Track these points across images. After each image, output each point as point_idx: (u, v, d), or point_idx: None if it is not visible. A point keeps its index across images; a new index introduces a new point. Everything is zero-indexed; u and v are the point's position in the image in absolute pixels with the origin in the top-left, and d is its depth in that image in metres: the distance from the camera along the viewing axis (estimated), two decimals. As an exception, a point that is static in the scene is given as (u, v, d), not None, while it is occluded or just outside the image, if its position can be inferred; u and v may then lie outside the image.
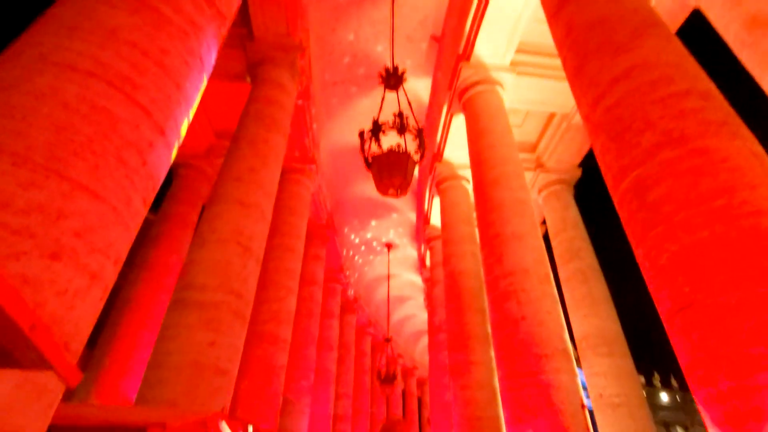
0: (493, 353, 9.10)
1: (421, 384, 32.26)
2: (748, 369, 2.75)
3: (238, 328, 6.54)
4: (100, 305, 2.85)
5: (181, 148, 10.70)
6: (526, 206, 8.50)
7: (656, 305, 3.68)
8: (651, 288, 3.73)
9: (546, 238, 12.31)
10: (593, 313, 11.15)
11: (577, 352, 10.85)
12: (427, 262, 18.80)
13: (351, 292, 22.13)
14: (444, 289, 12.15)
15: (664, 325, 3.56)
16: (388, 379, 18.47)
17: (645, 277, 3.82)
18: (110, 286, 2.89)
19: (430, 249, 16.66)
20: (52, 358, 1.45)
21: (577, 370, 6.77)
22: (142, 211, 2.98)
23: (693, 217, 3.29)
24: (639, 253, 3.85)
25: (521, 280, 7.33)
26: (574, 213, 13.15)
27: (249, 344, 8.91)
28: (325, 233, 16.63)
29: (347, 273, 21.03)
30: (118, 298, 10.38)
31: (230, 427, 4.79)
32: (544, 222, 14.05)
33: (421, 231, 18.20)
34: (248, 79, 10.00)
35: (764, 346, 2.72)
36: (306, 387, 12.95)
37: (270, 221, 8.11)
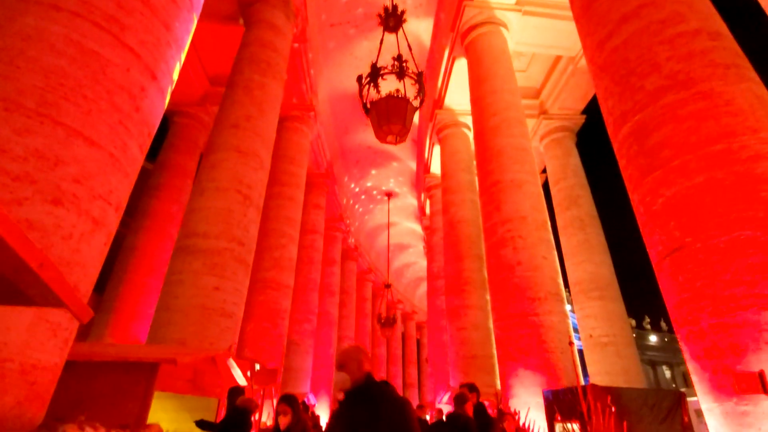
0: (488, 297, 9.48)
1: (419, 327, 33.90)
2: (730, 308, 2.89)
3: (241, 274, 6.77)
4: (105, 250, 2.94)
5: (175, 96, 10.41)
6: (527, 154, 8.42)
7: (648, 250, 3.79)
8: (644, 233, 3.81)
9: (545, 186, 12.32)
10: (588, 260, 11.44)
11: (570, 296, 11.31)
12: (427, 210, 18.97)
13: (352, 240, 22.56)
14: (443, 237, 12.38)
15: (654, 268, 3.68)
16: (388, 323, 19.39)
17: (639, 223, 3.89)
18: (113, 232, 2.97)
19: (430, 197, 16.74)
20: (63, 296, 1.53)
21: (568, 312, 7.10)
22: (139, 158, 2.98)
23: (690, 162, 3.28)
24: (634, 199, 3.89)
25: (519, 227, 7.45)
26: (575, 161, 13.04)
27: (253, 290, 9.28)
28: (324, 182, 16.61)
29: (347, 221, 21.30)
30: (122, 246, 10.62)
31: (238, 365, 5.13)
32: (544, 171, 13.96)
33: (420, 179, 18.17)
34: (241, 21, 9.48)
35: (747, 286, 2.83)
36: (309, 330, 13.63)
37: (269, 170, 8.09)
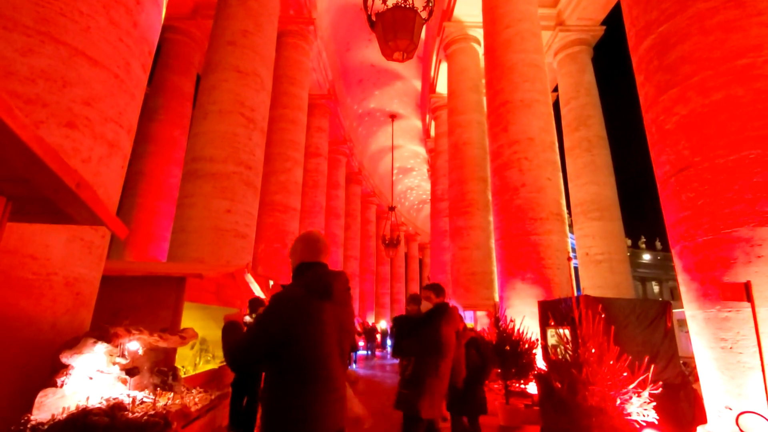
0: (491, 218, 9.75)
1: (422, 248, 35.28)
2: (727, 224, 3.01)
3: (250, 197, 6.93)
4: (123, 173, 3.02)
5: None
6: (539, 71, 8.02)
7: (655, 170, 3.82)
8: (653, 153, 3.81)
9: (555, 106, 11.89)
10: (592, 181, 11.49)
11: (570, 218, 11.58)
12: (432, 132, 18.57)
13: (355, 164, 22.48)
14: (448, 159, 12.32)
15: (659, 189, 3.75)
16: (391, 244, 20.18)
17: (649, 143, 3.87)
18: (128, 155, 3.01)
19: (435, 119, 16.29)
20: (100, 214, 1.63)
21: (568, 232, 7.35)
22: (142, 78, 2.91)
23: (710, 79, 3.16)
24: (648, 118, 3.81)
25: (526, 148, 7.40)
26: (589, 77, 12.41)
27: (262, 213, 9.55)
28: (326, 104, 16.07)
29: (351, 144, 21.01)
30: (129, 171, 10.70)
31: (255, 281, 5.53)
32: (555, 89, 13.36)
33: (426, 100, 17.50)
34: None
35: (746, 204, 2.92)
36: (330, 252, 14.26)
37: (270, 91, 7.81)
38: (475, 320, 8.12)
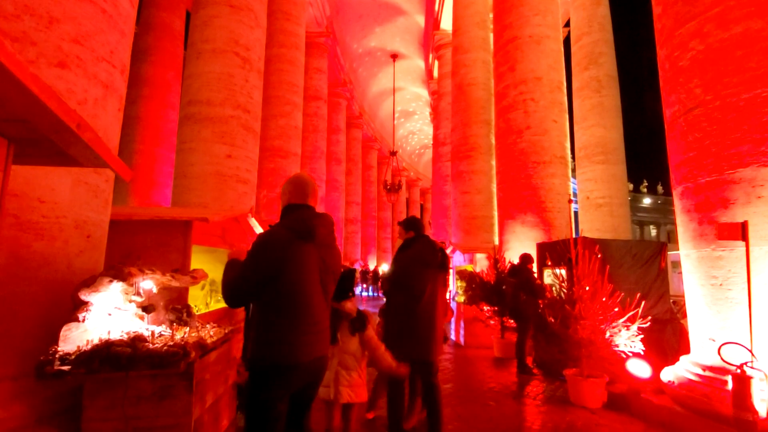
0: (493, 162, 9.66)
1: (423, 193, 35.36)
2: (731, 164, 2.99)
3: (250, 141, 6.82)
4: (120, 116, 2.96)
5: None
6: (551, 2, 7.50)
7: (664, 110, 3.72)
8: (664, 92, 3.68)
9: (565, 44, 11.27)
10: (599, 123, 11.23)
11: (574, 161, 11.46)
12: (435, 73, 17.82)
13: (356, 108, 21.83)
14: (451, 102, 11.94)
15: (667, 129, 3.68)
16: (393, 189, 20.18)
17: (661, 81, 3.73)
18: (123, 96, 2.94)
19: (439, 58, 15.53)
20: (104, 155, 1.63)
21: (570, 175, 7.32)
22: (131, 13, 2.74)
23: (732, 10, 2.97)
24: (662, 54, 3.64)
25: (532, 88, 7.14)
26: (603, 11, 11.64)
27: (262, 158, 9.46)
28: (325, 42, 15.24)
29: (351, 87, 20.25)
30: (125, 116, 10.43)
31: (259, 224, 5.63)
32: (566, 25, 12.57)
33: (429, 37, 16.56)
34: None
35: (753, 144, 2.88)
36: (319, 195, 14.32)
37: (265, 28, 7.38)
38: (474, 262, 8.36)
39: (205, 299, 4.58)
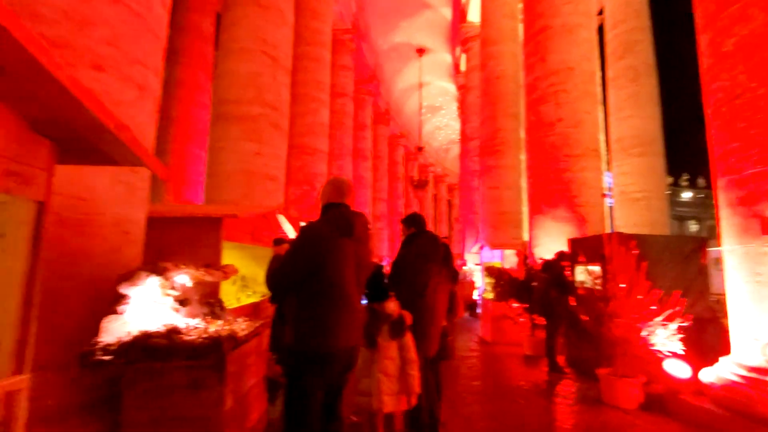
0: (523, 157, 9.41)
1: (450, 189, 34.96)
2: (781, 156, 2.79)
3: (278, 139, 6.95)
4: (154, 117, 3.07)
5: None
6: (584, -12, 7.20)
7: (705, 99, 3.50)
8: (706, 79, 3.47)
9: (598, 32, 10.79)
10: (635, 114, 10.71)
11: (609, 154, 11.01)
12: (462, 66, 17.53)
13: (382, 104, 21.80)
14: (479, 95, 11.71)
15: (710, 119, 3.47)
16: (420, 185, 20.08)
17: (703, 68, 3.50)
18: (158, 98, 3.04)
19: (466, 51, 15.26)
20: (141, 155, 1.70)
21: (604, 169, 7.03)
22: (163, 16, 2.84)
23: (785, -12, 2.75)
24: (703, 40, 3.42)
25: (564, 79, 6.88)
26: (641, -4, 11.07)
27: (290, 156, 9.59)
28: (351, 39, 15.27)
29: (376, 83, 20.22)
30: (160, 116, 10.83)
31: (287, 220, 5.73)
32: (599, 13, 12.03)
33: (456, 30, 16.29)
34: None
35: (808, 133, 2.67)
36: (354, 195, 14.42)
37: (292, 26, 7.47)
38: (504, 259, 8.20)
39: (237, 294, 4.71)
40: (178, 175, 10.66)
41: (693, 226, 39.35)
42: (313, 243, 1.79)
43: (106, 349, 2.10)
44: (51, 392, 2.15)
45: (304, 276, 1.76)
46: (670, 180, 36.07)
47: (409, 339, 2.44)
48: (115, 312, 2.26)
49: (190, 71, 10.89)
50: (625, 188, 10.63)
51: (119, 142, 1.57)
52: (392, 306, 2.41)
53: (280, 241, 4.75)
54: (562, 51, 6.97)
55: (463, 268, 12.56)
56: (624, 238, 4.20)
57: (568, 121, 6.79)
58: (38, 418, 2.05)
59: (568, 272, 5.15)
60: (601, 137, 7.12)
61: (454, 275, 3.02)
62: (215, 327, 2.51)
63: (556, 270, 5.12)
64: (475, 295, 10.88)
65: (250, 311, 4.25)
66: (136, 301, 2.32)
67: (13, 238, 1.44)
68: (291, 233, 5.61)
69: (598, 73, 7.33)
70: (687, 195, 39.52)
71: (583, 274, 4.93)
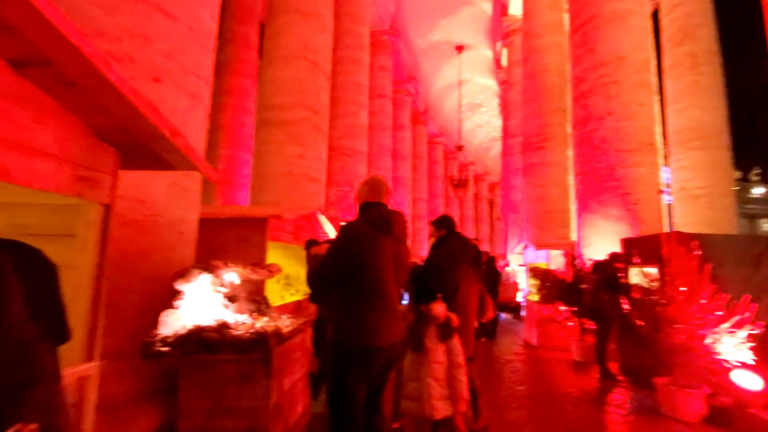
0: (569, 153, 9.01)
1: (492, 188, 34.12)
2: None
3: (320, 141, 7.13)
4: (205, 124, 3.25)
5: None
6: (637, -28, 6.76)
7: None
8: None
9: (653, 18, 10.09)
10: (695, 105, 9.91)
11: (666, 147, 10.25)
12: (503, 61, 17.07)
13: (421, 104, 21.70)
14: (522, 90, 11.35)
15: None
16: (460, 184, 19.76)
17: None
18: (208, 106, 3.22)
19: (508, 46, 14.84)
20: (194, 160, 1.80)
21: (661, 164, 6.57)
22: (212, 28, 3.00)
23: None
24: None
25: (614, 70, 6.50)
26: (701, -24, 10.23)
27: (330, 157, 9.80)
28: (389, 40, 15.34)
29: (415, 83, 20.16)
30: (210, 123, 11.45)
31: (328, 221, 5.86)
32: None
33: (497, 24, 15.89)
34: None
35: None
36: (391, 194, 14.50)
37: (332, 31, 7.64)
38: (550, 259, 7.87)
39: (281, 292, 4.87)
40: (227, 179, 11.22)
41: (766, 225, 35.69)
42: (352, 242, 1.82)
43: (164, 341, 2.25)
44: (115, 380, 2.33)
45: (345, 275, 1.78)
46: (737, 175, 32.96)
47: (456, 342, 2.36)
48: (171, 307, 2.41)
49: (237, 79, 11.43)
50: (685, 184, 9.85)
51: (174, 148, 1.68)
52: (439, 308, 2.32)
53: (312, 242, 4.86)
54: (612, 40, 6.58)
55: (506, 269, 12.23)
56: (684, 238, 3.89)
57: (619, 114, 6.40)
58: (104, 404, 2.24)
59: (622, 274, 4.86)
60: (658, 130, 6.64)
61: (495, 276, 2.98)
62: (261, 323, 2.61)
63: (608, 271, 4.84)
64: (519, 297, 10.55)
65: (294, 309, 4.39)
66: (190, 296, 2.47)
67: (83, 237, 1.58)
68: (331, 233, 5.73)
69: (654, 62, 6.83)
70: (759, 191, 35.97)
71: (638, 277, 4.62)
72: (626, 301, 4.60)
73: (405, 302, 2.64)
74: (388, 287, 1.85)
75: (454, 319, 2.42)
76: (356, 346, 1.77)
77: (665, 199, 6.71)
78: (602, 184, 6.43)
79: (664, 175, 7.12)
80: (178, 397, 2.29)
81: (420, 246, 20.82)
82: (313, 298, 2.21)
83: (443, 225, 2.88)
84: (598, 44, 6.70)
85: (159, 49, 2.52)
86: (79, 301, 1.51)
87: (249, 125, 10.93)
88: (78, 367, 1.43)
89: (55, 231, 1.69)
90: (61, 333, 1.04)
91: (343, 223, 2.09)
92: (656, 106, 6.64)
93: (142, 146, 1.67)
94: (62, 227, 1.66)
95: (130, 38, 2.41)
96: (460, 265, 2.69)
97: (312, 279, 1.90)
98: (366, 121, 11.10)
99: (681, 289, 3.54)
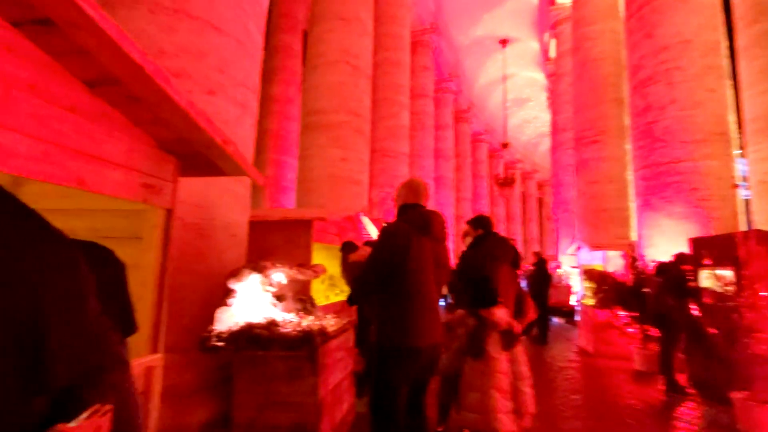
0: (627, 146, 8.44)
1: (541, 186, 32.74)
2: None
3: (361, 144, 7.23)
4: (254, 132, 3.41)
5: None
6: (702, -54, 6.19)
7: None
8: None
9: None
10: (775, 88, 8.88)
11: (742, 137, 9.27)
12: (552, 53, 16.36)
13: (463, 101, 21.32)
14: (572, 82, 10.80)
15: None
16: (505, 183, 19.14)
17: None
18: (256, 114, 3.37)
19: (556, 36, 14.20)
20: (243, 166, 1.90)
21: (736, 155, 5.96)
22: (259, 40, 3.14)
23: None
24: None
25: (678, 55, 6.00)
26: (781, -57, 9.15)
27: (372, 159, 9.90)
28: (430, 39, 15.24)
29: (457, 81, 19.84)
30: (258, 130, 12.00)
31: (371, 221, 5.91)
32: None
33: (544, 14, 15.25)
34: None
35: None
36: (429, 195, 14.39)
37: (372, 34, 7.73)
38: (606, 261, 7.40)
39: (325, 292, 4.99)
40: (274, 183, 11.70)
41: None
42: (392, 243, 1.84)
43: (219, 337, 2.38)
44: (178, 371, 2.50)
45: (388, 273, 1.81)
46: (830, 164, 29.07)
47: (521, 351, 2.19)
48: (225, 304, 2.55)
49: (282, 87, 11.90)
50: (765, 177, 8.85)
51: (226, 155, 1.78)
52: (500, 313, 2.15)
53: (348, 244, 4.92)
54: (674, 22, 6.08)
55: (557, 271, 11.68)
56: (765, 237, 3.49)
57: (684, 102, 5.89)
58: (168, 393, 2.41)
59: (691, 277, 4.46)
60: (731, 118, 6.03)
61: (545, 278, 2.87)
62: (307, 322, 2.68)
63: (674, 274, 4.46)
64: (572, 301, 10.02)
65: (338, 309, 4.47)
66: (242, 295, 2.59)
67: (148, 239, 1.71)
68: (374, 234, 5.78)
69: (725, 43, 6.22)
70: None
71: (710, 280, 4.22)
72: (696, 306, 4.22)
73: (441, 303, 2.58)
74: (428, 287, 1.87)
75: (516, 326, 2.28)
76: (397, 347, 1.79)
77: (741, 194, 6.08)
78: (666, 179, 5.95)
79: (740, 167, 6.45)
80: (233, 390, 2.42)
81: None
82: (352, 300, 2.25)
83: (480, 224, 2.84)
84: (657, 28, 6.22)
85: (212, 63, 2.68)
86: (145, 297, 1.64)
87: (294, 131, 11.33)
88: (145, 358, 1.55)
89: (125, 234, 1.86)
90: (128, 325, 1.14)
91: (384, 225, 2.11)
92: (729, 92, 6.04)
93: (198, 154, 1.79)
94: (131, 230, 1.82)
95: (186, 55, 2.58)
96: (500, 265, 2.63)
97: (356, 284, 1.95)
98: (407, 122, 11.09)
99: (762, 294, 3.18)
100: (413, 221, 1.89)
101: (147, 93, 1.36)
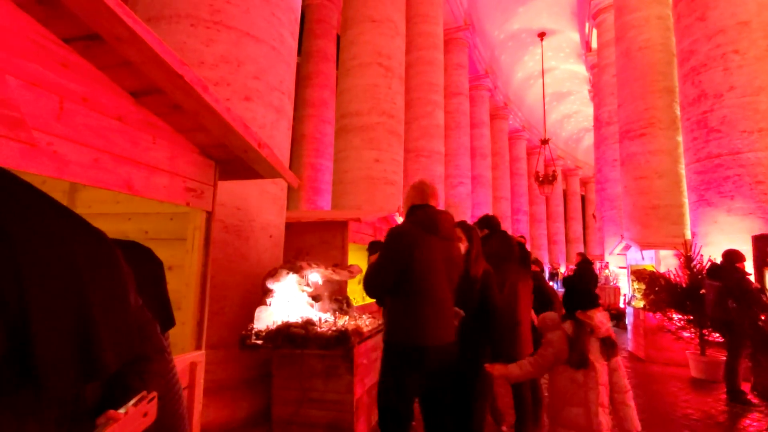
0: (679, 138, 7.89)
1: (584, 183, 31.29)
2: None
3: (395, 144, 7.23)
4: (289, 135, 3.50)
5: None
6: None
7: None
8: None
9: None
10: None
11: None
12: (593, 44, 15.61)
13: (500, 98, 20.81)
14: (616, 73, 10.24)
15: None
16: (546, 180, 18.44)
17: None
18: (291, 118, 3.46)
19: (597, 26, 13.52)
20: (279, 168, 1.96)
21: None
22: (293, 46, 3.23)
23: None
24: None
25: (735, 38, 5.54)
26: None
27: (407, 159, 9.88)
28: (463, 36, 15.00)
29: (493, 77, 19.39)
30: (294, 134, 12.35)
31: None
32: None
33: (584, 4, 14.58)
34: None
35: None
36: (465, 193, 14.13)
37: (404, 34, 7.72)
38: (658, 261, 6.93)
39: (361, 293, 5.03)
40: (311, 185, 11.96)
41: None
42: (398, 243, 1.85)
43: (258, 335, 2.46)
44: (221, 367, 2.61)
45: (396, 273, 1.81)
46: None
47: (620, 360, 1.93)
48: (264, 303, 2.64)
49: (317, 92, 12.14)
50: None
51: (262, 158, 1.84)
52: (600, 316, 1.88)
53: (375, 243, 4.91)
54: (729, 3, 5.62)
55: (605, 271, 11.10)
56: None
57: (743, 89, 5.43)
58: (209, 388, 2.53)
59: (748, 275, 4.09)
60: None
61: (590, 280, 2.77)
62: (343, 322, 2.72)
63: (731, 276, 4.11)
64: (621, 303, 9.48)
65: (375, 309, 4.49)
66: (279, 294, 2.67)
67: (191, 240, 1.80)
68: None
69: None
70: None
71: (776, 280, 3.86)
72: (760, 311, 3.87)
73: None
74: (438, 286, 1.86)
75: (614, 336, 2.04)
76: (406, 344, 1.80)
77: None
78: (724, 172, 5.50)
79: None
80: (272, 386, 2.50)
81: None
82: (377, 301, 2.26)
83: (486, 225, 2.86)
84: (710, 10, 5.77)
85: (248, 71, 2.79)
86: (189, 296, 1.73)
87: (329, 134, 11.53)
88: (188, 354, 1.63)
89: (171, 235, 1.97)
90: (166, 320, 1.21)
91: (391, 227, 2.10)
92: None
93: (236, 158, 1.86)
94: (177, 232, 1.93)
95: (225, 64, 2.71)
96: (506, 264, 2.65)
97: (365, 285, 1.94)
98: (442, 121, 10.97)
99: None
100: (421, 221, 1.90)
101: (187, 101, 1.43)
